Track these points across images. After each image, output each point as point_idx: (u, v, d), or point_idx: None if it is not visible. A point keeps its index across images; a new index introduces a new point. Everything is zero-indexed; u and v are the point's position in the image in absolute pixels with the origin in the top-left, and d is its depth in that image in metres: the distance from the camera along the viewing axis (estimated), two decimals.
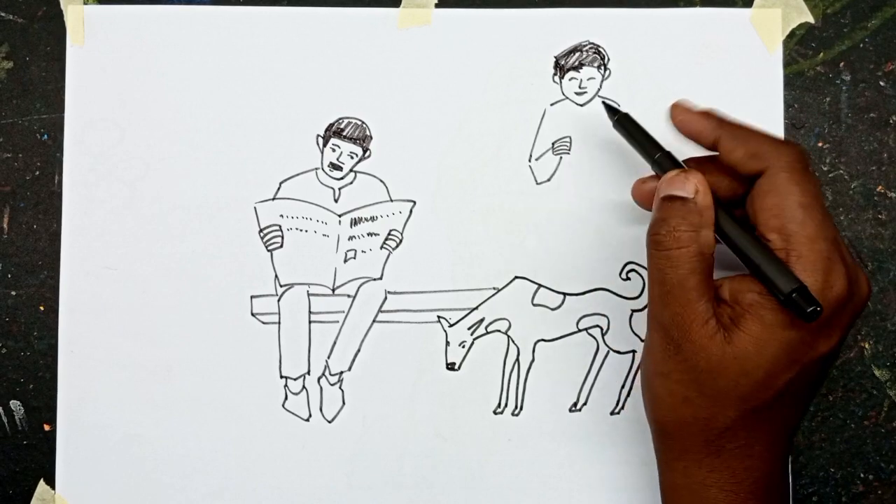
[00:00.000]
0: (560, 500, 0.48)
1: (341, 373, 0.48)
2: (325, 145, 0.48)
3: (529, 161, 0.49)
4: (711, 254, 0.39)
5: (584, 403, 0.48)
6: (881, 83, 0.49)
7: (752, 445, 0.38)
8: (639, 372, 0.42)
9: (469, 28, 0.49)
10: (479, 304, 0.48)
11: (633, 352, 0.48)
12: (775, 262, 0.37)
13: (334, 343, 0.48)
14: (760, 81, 0.48)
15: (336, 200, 0.49)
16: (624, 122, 0.44)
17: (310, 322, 0.48)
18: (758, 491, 0.39)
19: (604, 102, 0.46)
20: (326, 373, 0.48)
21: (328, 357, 0.48)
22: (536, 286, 0.48)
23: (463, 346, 0.48)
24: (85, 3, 0.49)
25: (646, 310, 0.48)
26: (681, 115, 0.42)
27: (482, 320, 0.48)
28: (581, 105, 0.48)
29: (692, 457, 0.39)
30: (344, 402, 0.48)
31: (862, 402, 0.48)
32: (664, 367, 0.39)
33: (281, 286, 0.48)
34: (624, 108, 0.48)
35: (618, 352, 0.48)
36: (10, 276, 0.49)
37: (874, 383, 0.48)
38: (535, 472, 0.48)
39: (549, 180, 0.49)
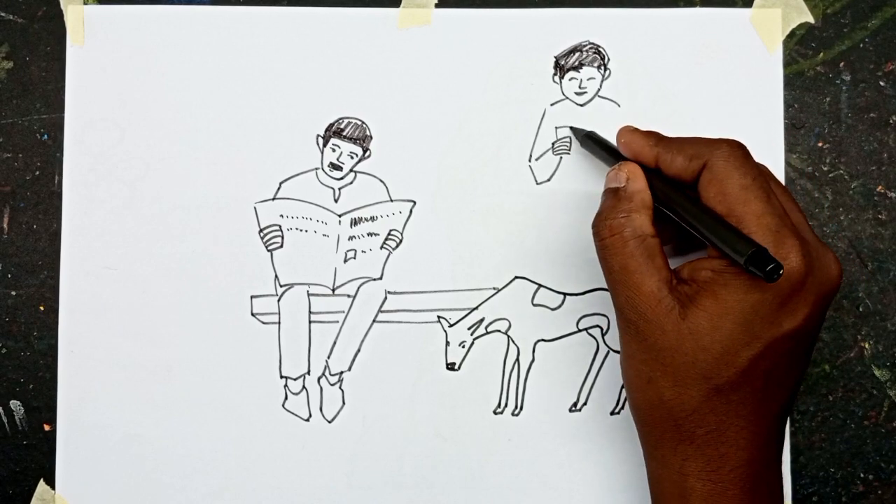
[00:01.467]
0: (560, 500, 0.48)
1: (341, 373, 0.48)
2: (325, 145, 0.48)
3: (529, 161, 0.49)
4: (650, 236, 0.40)
5: (584, 403, 0.48)
6: (881, 83, 0.49)
7: (723, 430, 0.38)
8: None
9: (469, 28, 0.49)
10: (479, 304, 0.48)
11: None
12: (732, 230, 0.38)
13: (334, 343, 0.48)
14: (760, 81, 0.48)
15: (336, 200, 0.49)
16: (589, 140, 0.46)
17: (310, 322, 0.48)
18: (738, 480, 0.39)
19: (571, 127, 0.48)
20: (326, 373, 0.48)
21: (328, 357, 0.48)
22: (536, 286, 0.48)
23: (463, 346, 0.48)
24: (85, 3, 0.49)
25: None
26: (623, 138, 0.44)
27: (482, 320, 0.48)
28: (581, 105, 0.49)
29: (668, 445, 0.40)
30: (344, 402, 0.48)
31: (862, 402, 0.48)
32: (630, 350, 0.40)
33: (281, 286, 0.48)
34: (624, 108, 0.48)
35: (618, 352, 0.48)
36: (10, 276, 0.49)
37: (874, 383, 0.48)
38: (535, 472, 0.48)
39: (549, 180, 0.49)
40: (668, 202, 0.41)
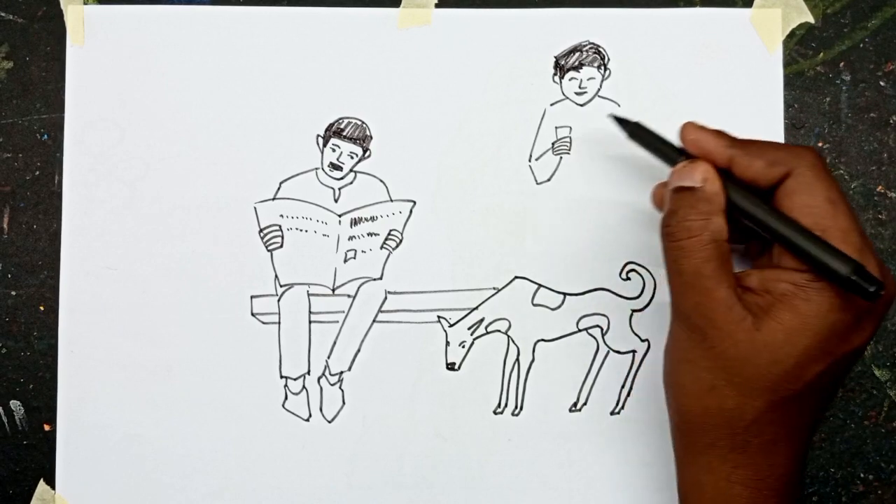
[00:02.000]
0: (560, 500, 0.48)
1: (341, 373, 0.48)
2: (325, 145, 0.48)
3: (529, 161, 0.49)
4: (725, 241, 0.39)
5: (584, 403, 0.48)
6: (881, 83, 0.49)
7: (776, 441, 0.38)
8: (662, 364, 0.41)
9: (469, 28, 0.49)
10: (479, 304, 0.48)
11: (633, 352, 0.48)
12: (828, 247, 0.37)
13: (334, 343, 0.48)
14: (760, 81, 0.48)
15: (336, 200, 0.49)
16: (638, 132, 0.43)
17: (310, 322, 0.48)
18: (780, 489, 0.39)
19: (614, 117, 0.44)
20: (326, 373, 0.48)
21: (328, 357, 0.48)
22: (536, 286, 0.48)
23: (463, 346, 0.48)
24: (85, 3, 0.49)
25: (646, 310, 0.48)
26: (692, 135, 0.41)
27: (482, 320, 0.48)
28: (581, 105, 0.49)
29: (717, 452, 0.39)
30: (344, 402, 0.48)
31: (862, 402, 0.48)
32: (690, 355, 0.39)
33: (281, 286, 0.48)
34: (624, 108, 0.48)
35: (618, 352, 0.48)
36: (10, 276, 0.49)
37: (874, 383, 0.48)
38: (535, 472, 0.48)
39: (549, 180, 0.49)
40: (754, 212, 0.39)
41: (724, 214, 0.39)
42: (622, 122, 0.44)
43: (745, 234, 0.42)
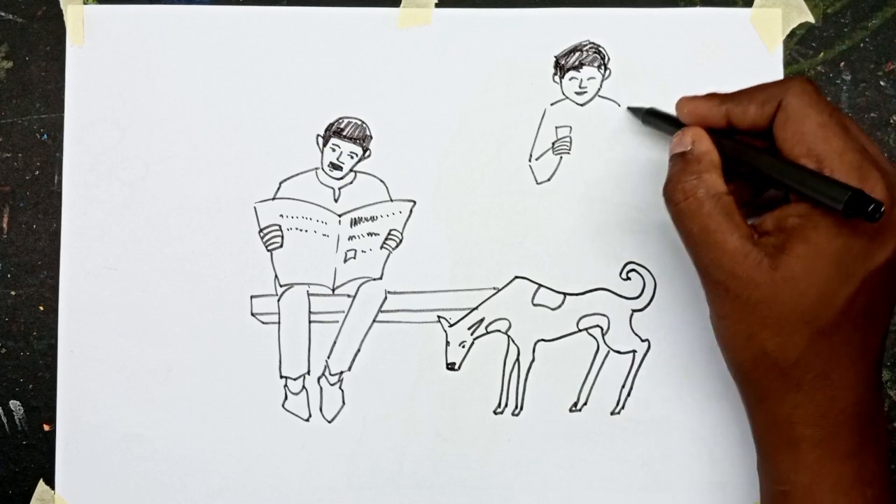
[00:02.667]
0: (560, 500, 0.48)
1: (341, 373, 0.48)
2: (325, 145, 0.48)
3: (529, 161, 0.49)
4: (725, 193, 0.39)
5: (584, 403, 0.48)
6: (881, 83, 0.49)
7: (829, 373, 0.38)
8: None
9: (469, 28, 0.49)
10: (479, 304, 0.48)
11: (634, 352, 0.48)
12: (821, 177, 0.37)
13: (334, 343, 0.48)
14: (761, 81, 0.48)
15: (336, 200, 0.49)
16: (652, 116, 0.46)
17: (310, 322, 0.48)
18: (847, 421, 0.38)
19: (629, 108, 0.48)
20: (326, 373, 0.48)
21: (328, 357, 0.48)
22: (536, 286, 0.48)
23: (463, 346, 0.48)
24: (85, 3, 0.49)
25: (646, 310, 0.48)
26: (686, 106, 0.43)
27: (482, 320, 0.48)
28: (581, 105, 0.49)
29: (775, 395, 0.39)
30: (344, 402, 0.48)
31: None
32: (723, 310, 0.40)
33: (281, 286, 0.48)
34: (624, 108, 0.48)
35: (618, 352, 0.48)
36: (9, 276, 0.49)
37: None
38: (535, 472, 0.48)
39: (549, 180, 0.49)
40: (746, 160, 0.40)
41: (717, 170, 0.40)
42: (634, 110, 0.47)
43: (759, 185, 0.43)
